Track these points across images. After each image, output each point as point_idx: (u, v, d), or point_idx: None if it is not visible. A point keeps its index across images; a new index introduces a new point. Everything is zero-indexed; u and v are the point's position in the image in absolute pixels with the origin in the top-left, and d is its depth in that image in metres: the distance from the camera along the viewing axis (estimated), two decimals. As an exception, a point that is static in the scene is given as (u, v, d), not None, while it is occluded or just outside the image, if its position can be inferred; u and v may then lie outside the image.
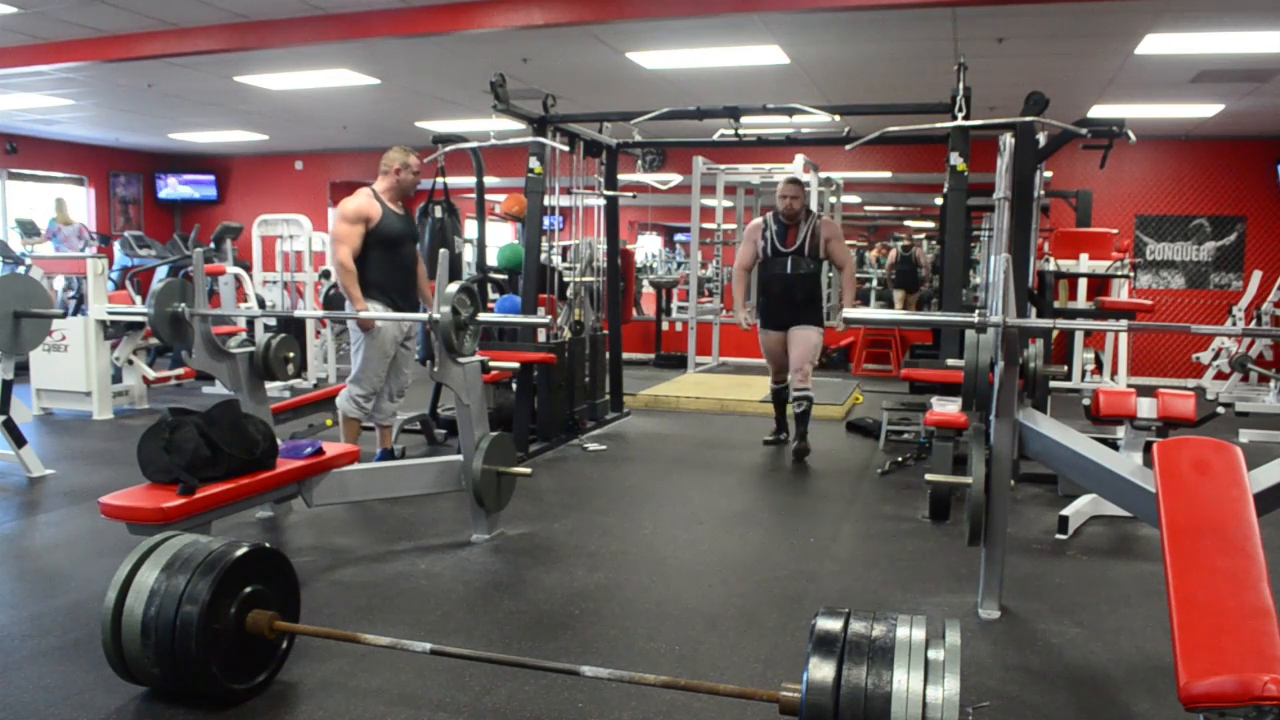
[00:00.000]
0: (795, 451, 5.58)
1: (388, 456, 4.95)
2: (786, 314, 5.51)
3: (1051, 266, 7.65)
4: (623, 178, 7.06)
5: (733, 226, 11.83)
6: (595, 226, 6.75)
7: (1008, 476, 3.08)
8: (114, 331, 6.84)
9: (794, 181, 5.52)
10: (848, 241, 15.82)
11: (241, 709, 2.40)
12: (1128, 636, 3.00)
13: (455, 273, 5.47)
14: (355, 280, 4.58)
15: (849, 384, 8.27)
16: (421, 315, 4.25)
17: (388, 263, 4.67)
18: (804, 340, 5.46)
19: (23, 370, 6.03)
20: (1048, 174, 7.40)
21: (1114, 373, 8.13)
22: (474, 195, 6.53)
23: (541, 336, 5.89)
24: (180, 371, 7.68)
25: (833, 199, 11.38)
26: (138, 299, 7.50)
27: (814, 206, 10.16)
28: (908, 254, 12.66)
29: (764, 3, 5.49)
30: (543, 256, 5.99)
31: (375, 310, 4.63)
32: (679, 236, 19.51)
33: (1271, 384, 7.47)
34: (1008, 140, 4.92)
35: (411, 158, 4.70)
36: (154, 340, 7.20)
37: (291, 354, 4.19)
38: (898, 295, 12.65)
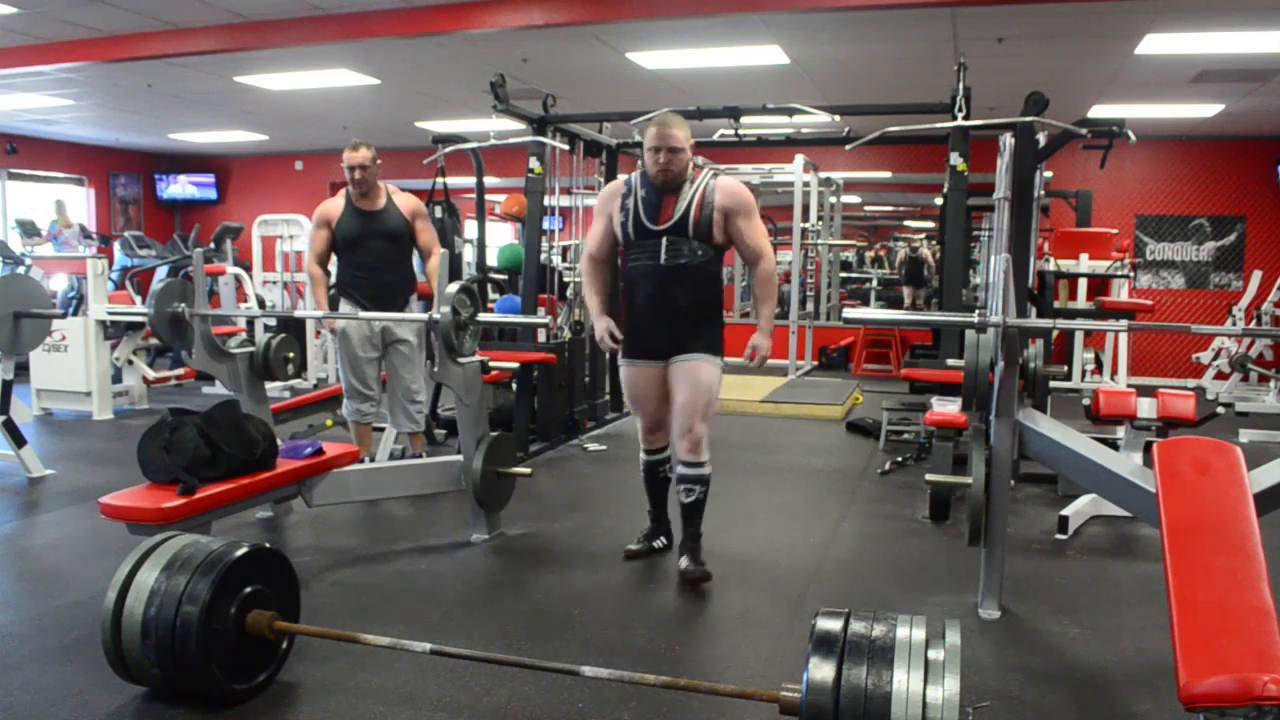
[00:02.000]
0: (687, 576, 3.44)
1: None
2: (660, 335, 3.42)
3: (1051, 266, 7.65)
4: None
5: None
6: (595, 226, 6.73)
7: (1008, 476, 3.08)
8: (114, 331, 6.84)
9: (670, 123, 3.33)
10: (846, 241, 15.52)
11: (241, 709, 2.40)
12: (1128, 636, 3.00)
13: (455, 273, 5.45)
14: (318, 284, 4.59)
15: (849, 384, 8.28)
16: (421, 315, 4.24)
17: (348, 262, 4.61)
18: (691, 378, 3.36)
19: (23, 370, 6.02)
20: (1048, 174, 7.39)
21: (1114, 373, 8.12)
22: (474, 195, 6.54)
23: (541, 336, 5.89)
24: (180, 371, 7.68)
25: (833, 199, 11.40)
26: (138, 299, 7.50)
27: (813, 206, 10.24)
28: (915, 254, 13.01)
29: (764, 3, 5.50)
30: (543, 256, 5.99)
31: (343, 310, 4.58)
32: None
33: (1271, 384, 7.47)
34: (1008, 140, 4.92)
35: (345, 151, 4.47)
36: (154, 340, 7.20)
37: (291, 354, 4.19)
38: (906, 292, 13.00)
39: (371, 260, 4.58)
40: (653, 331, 3.44)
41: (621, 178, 3.53)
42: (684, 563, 3.50)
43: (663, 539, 3.80)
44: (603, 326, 3.56)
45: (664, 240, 3.35)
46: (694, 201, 3.34)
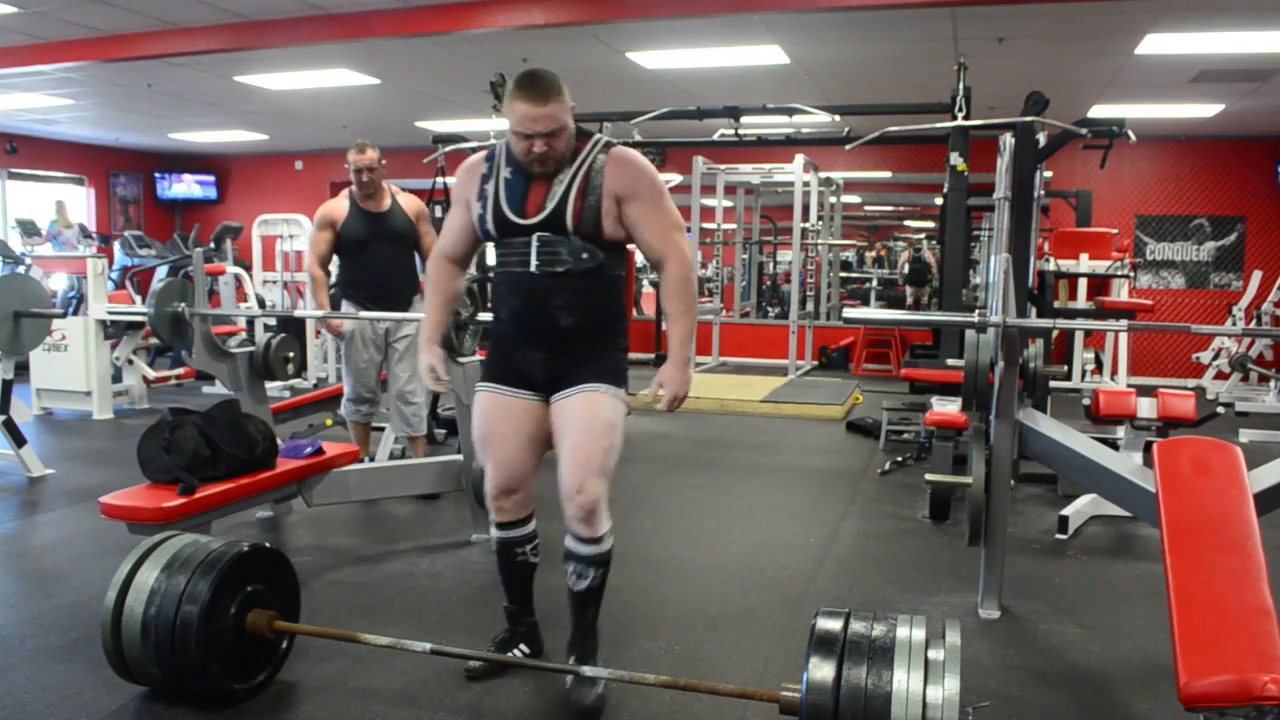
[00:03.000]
0: (573, 705, 2.46)
1: None
2: (535, 361, 2.53)
3: (1051, 266, 7.65)
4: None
5: (732, 226, 11.84)
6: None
7: (1008, 476, 3.08)
8: (114, 331, 6.84)
9: (542, 93, 2.36)
10: (846, 241, 15.70)
11: (241, 709, 2.40)
12: (1128, 636, 3.01)
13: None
14: (320, 287, 4.54)
15: (849, 384, 8.28)
16: (421, 315, 4.22)
17: (352, 264, 4.57)
18: (583, 417, 2.47)
19: (23, 370, 6.03)
20: (1048, 174, 7.40)
21: (1114, 373, 8.13)
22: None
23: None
24: (180, 371, 7.68)
25: (833, 199, 11.40)
26: (138, 299, 7.50)
27: (813, 206, 10.24)
28: (918, 254, 13.31)
29: (764, 3, 5.49)
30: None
31: (348, 313, 4.56)
32: (679, 236, 19.52)
33: (1271, 384, 7.47)
34: (1008, 140, 4.92)
35: (351, 153, 4.43)
36: (154, 340, 7.20)
37: (291, 354, 4.19)
38: (909, 291, 13.35)
39: (378, 262, 4.54)
40: (525, 356, 2.54)
41: (482, 152, 2.61)
42: (570, 686, 2.48)
43: (523, 647, 2.75)
44: (428, 360, 2.66)
45: (535, 240, 2.45)
46: (574, 186, 2.43)
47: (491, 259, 2.95)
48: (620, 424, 2.52)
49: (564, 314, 2.46)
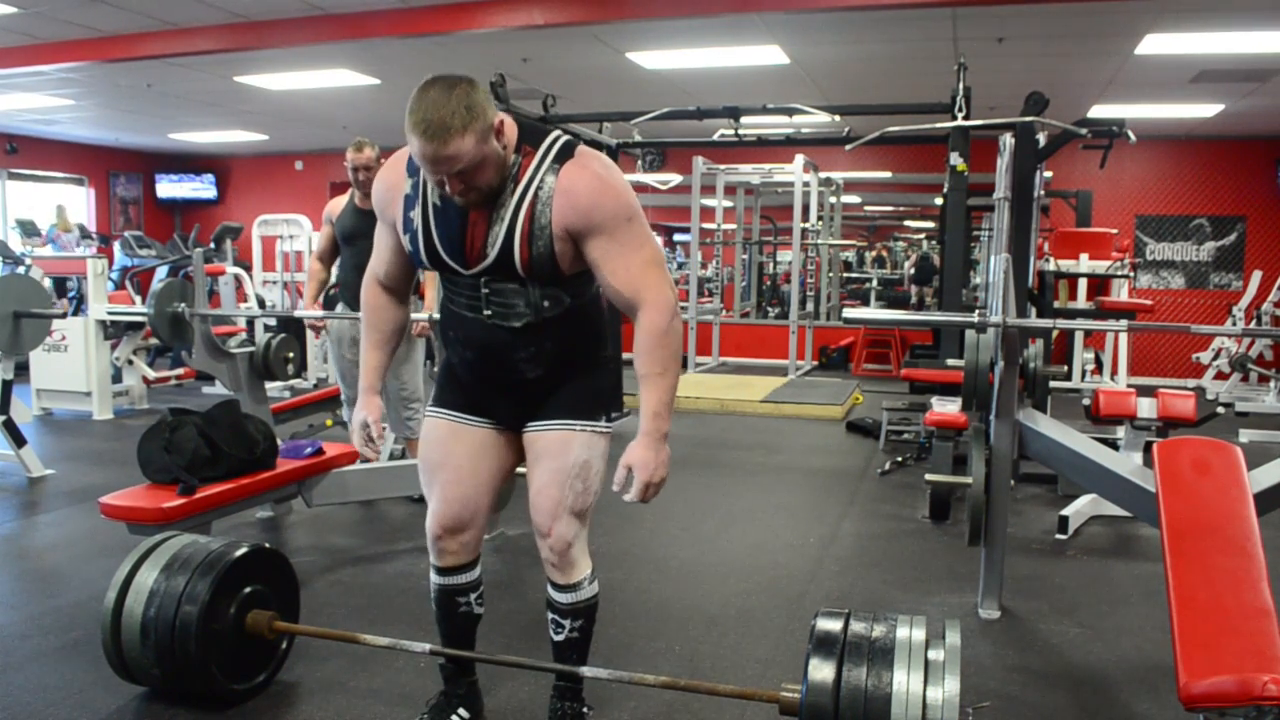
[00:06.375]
0: None
1: None
2: (499, 402, 2.20)
3: (1051, 266, 7.65)
4: (623, 178, 7.05)
5: (732, 226, 11.84)
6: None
7: (1008, 476, 3.08)
8: (114, 331, 6.84)
9: (445, 125, 1.78)
10: (846, 241, 15.79)
11: (241, 709, 2.40)
12: (1128, 636, 3.01)
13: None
14: (312, 280, 4.54)
15: (849, 384, 8.28)
16: (421, 315, 4.22)
17: (342, 261, 4.53)
18: (554, 453, 2.18)
19: (23, 370, 6.03)
20: (1048, 174, 7.40)
21: (1114, 373, 8.13)
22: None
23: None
24: (180, 371, 7.68)
25: (833, 199, 11.40)
26: (138, 299, 7.50)
27: (813, 206, 10.25)
28: (925, 256, 13.59)
29: (764, 3, 5.49)
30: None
31: (339, 310, 4.53)
32: (679, 236, 19.51)
33: (1271, 384, 7.47)
34: (1008, 140, 4.92)
35: (349, 151, 4.38)
36: (154, 340, 7.20)
37: (291, 354, 4.20)
38: (914, 290, 13.48)
39: (362, 259, 4.49)
40: (484, 398, 2.19)
41: (402, 161, 2.06)
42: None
43: (462, 711, 2.36)
44: (361, 415, 2.22)
45: (483, 287, 2.03)
46: (518, 224, 1.94)
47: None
48: (598, 461, 2.22)
49: (530, 366, 2.09)
